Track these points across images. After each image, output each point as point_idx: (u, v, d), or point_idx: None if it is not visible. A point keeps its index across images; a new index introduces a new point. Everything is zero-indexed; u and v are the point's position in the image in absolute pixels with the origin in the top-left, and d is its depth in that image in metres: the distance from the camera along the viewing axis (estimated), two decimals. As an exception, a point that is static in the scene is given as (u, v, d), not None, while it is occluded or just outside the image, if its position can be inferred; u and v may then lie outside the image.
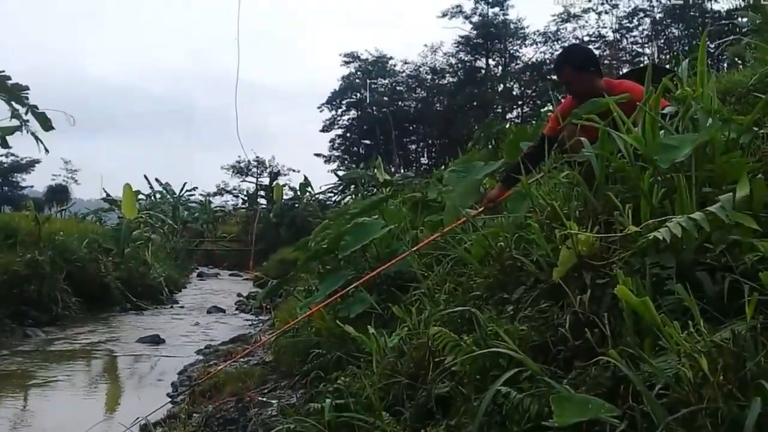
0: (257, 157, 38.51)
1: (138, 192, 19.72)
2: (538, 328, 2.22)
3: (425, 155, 43.59)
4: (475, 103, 37.18)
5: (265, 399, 4.90)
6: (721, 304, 1.68)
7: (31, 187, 40.26)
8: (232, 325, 11.72)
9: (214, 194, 38.36)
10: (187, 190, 32.76)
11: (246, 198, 36.19)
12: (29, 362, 8.41)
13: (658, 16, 32.40)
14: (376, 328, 3.41)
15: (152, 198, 30.73)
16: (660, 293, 1.80)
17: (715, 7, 29.24)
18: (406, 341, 3.14)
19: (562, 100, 4.57)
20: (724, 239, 1.74)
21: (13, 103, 8.63)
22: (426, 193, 5.70)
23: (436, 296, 3.27)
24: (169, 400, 6.30)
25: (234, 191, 38.99)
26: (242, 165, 38.76)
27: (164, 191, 31.59)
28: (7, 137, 9.33)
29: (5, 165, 39.33)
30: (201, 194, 34.97)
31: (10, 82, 8.49)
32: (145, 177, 31.38)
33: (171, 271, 18.42)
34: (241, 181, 39.12)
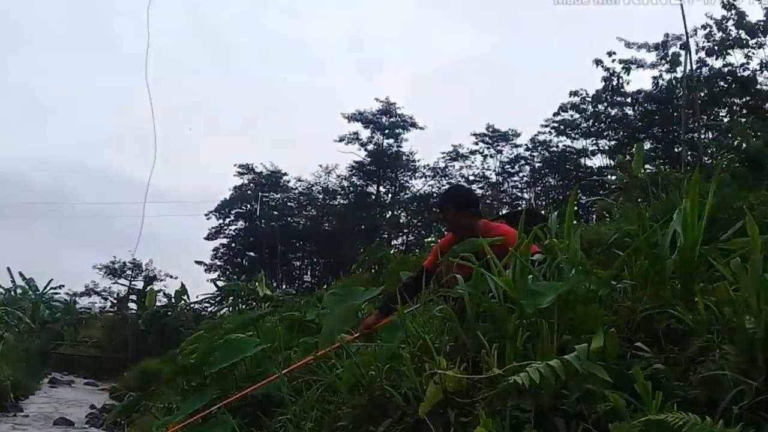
0: (134, 259, 36.93)
1: (-4, 285, 18.22)
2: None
3: (309, 273, 43.44)
4: (363, 227, 37.91)
5: None
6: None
7: None
8: (80, 441, 10.71)
9: (82, 294, 35.97)
10: (52, 288, 30.60)
11: (115, 301, 34.20)
12: None
13: (537, 165, 35.06)
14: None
15: (12, 293, 28.48)
16: (519, 436, 1.84)
17: (588, 162, 32.13)
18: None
19: (446, 233, 4.76)
20: (580, 388, 1.81)
21: None
22: (304, 313, 5.63)
23: (302, 424, 3.15)
24: None
25: (103, 293, 36.86)
26: (116, 266, 36.96)
27: (27, 287, 29.41)
28: None
29: None
30: (67, 293, 32.75)
31: None
32: (8, 270, 29.22)
33: (20, 375, 16.79)
34: (113, 283, 37.15)
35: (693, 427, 1.38)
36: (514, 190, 36.82)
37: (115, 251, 37.40)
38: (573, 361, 1.70)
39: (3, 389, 14.25)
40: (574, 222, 2.59)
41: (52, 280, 30.55)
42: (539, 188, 35.08)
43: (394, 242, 36.93)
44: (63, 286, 31.72)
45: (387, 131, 39.56)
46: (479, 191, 33.99)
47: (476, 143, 37.14)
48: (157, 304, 27.46)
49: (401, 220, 40.00)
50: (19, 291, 29.05)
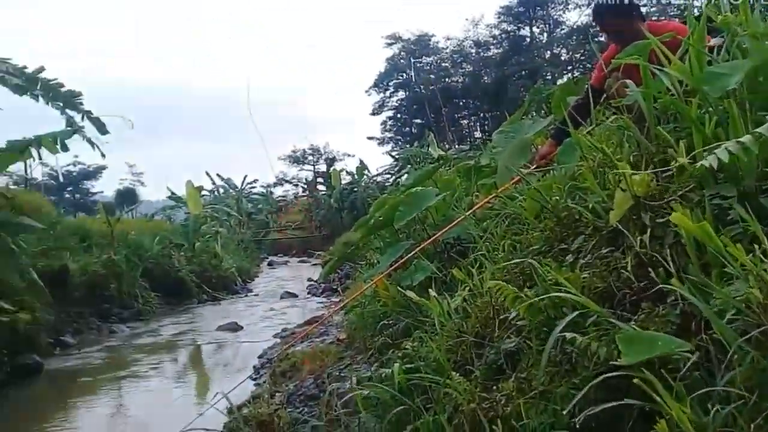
0: (311, 145, 38.94)
1: (201, 188, 20.19)
2: (599, 274, 2.19)
3: (478, 129, 43.15)
4: (523, 72, 36.54)
5: (342, 374, 5.01)
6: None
7: (101, 192, 42.04)
8: (305, 308, 12.01)
9: (275, 185, 39.06)
10: (248, 183, 33.44)
11: (305, 186, 36.71)
12: (118, 356, 8.84)
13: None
14: (439, 293, 3.42)
15: (215, 193, 31.50)
16: (722, 224, 1.76)
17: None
18: (469, 302, 3.15)
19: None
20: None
21: (67, 110, 8.75)
22: (478, 160, 5.66)
23: (495, 255, 3.26)
24: (252, 381, 6.52)
25: (293, 180, 39.61)
26: (298, 154, 39.30)
27: (226, 186, 32.32)
28: (73, 146, 9.59)
29: (74, 173, 41.02)
30: (262, 186, 35.68)
31: (63, 89, 8.60)
32: (207, 173, 32.22)
33: (242, 262, 18.94)
34: (299, 170, 39.72)
35: None
36: (678, 1, 33.16)
37: (292, 141, 39.75)
38: (765, 132, 1.55)
39: (230, 275, 16.21)
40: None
41: (246, 176, 33.35)
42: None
43: (559, 81, 35.29)
44: (257, 180, 34.57)
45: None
46: (643, 9, 30.96)
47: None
48: (343, 182, 29.00)
49: (563, 58, 37.93)
50: (221, 190, 32.04)
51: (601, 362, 1.80)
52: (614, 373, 1.58)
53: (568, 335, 1.90)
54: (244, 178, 33.10)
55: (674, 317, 1.73)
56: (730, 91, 1.92)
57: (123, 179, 40.77)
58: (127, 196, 37.07)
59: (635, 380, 1.33)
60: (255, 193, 34.17)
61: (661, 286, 1.70)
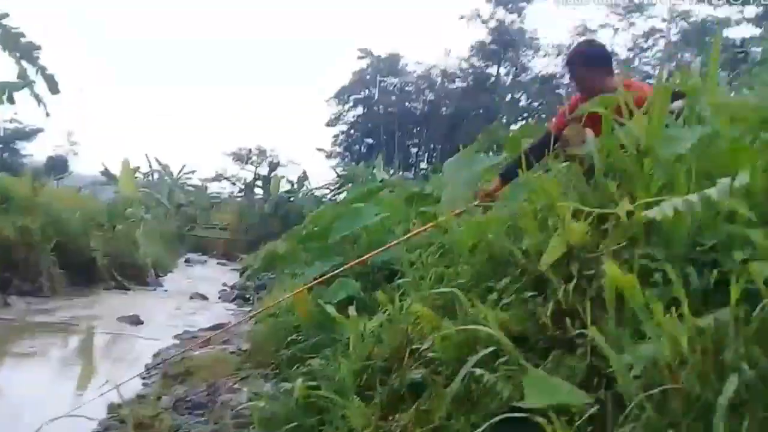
0: (258, 146, 38.22)
1: (137, 168, 19.56)
2: (518, 316, 2.15)
3: (425, 160, 43.50)
4: (480, 111, 37.20)
5: (236, 386, 4.82)
6: (706, 299, 1.61)
7: (32, 155, 39.98)
8: (213, 313, 11.54)
9: (212, 179, 38.00)
10: (185, 173, 32.54)
11: (243, 187, 35.91)
12: (6, 332, 8.31)
13: (674, 38, 32.44)
14: (359, 315, 3.32)
15: (150, 177, 30.56)
16: (647, 284, 1.74)
17: (731, 35, 29.26)
18: (385, 327, 3.06)
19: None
20: (717, 233, 1.67)
21: (23, 62, 8.39)
22: (422, 188, 5.63)
23: (422, 284, 3.18)
24: (141, 380, 6.22)
25: (232, 178, 38.68)
26: (243, 153, 38.47)
27: (162, 171, 31.37)
28: (17, 103, 9.11)
29: (8, 131, 38.99)
30: (199, 179, 34.74)
31: (24, 39, 8.25)
32: (146, 156, 31.27)
33: (160, 254, 18.23)
34: (241, 169, 38.81)
35: None
36: (645, 67, 34.48)
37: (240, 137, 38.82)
38: (712, 195, 1.52)
39: (145, 266, 15.56)
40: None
41: (185, 165, 32.43)
42: (673, 65, 32.65)
43: (512, 127, 36.07)
44: (195, 171, 33.63)
45: (510, 5, 37.84)
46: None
47: (607, 15, 34.80)
48: (282, 190, 28.62)
49: (521, 104, 38.82)
50: (155, 176, 31.06)
51: (503, 402, 1.77)
52: (515, 414, 1.58)
53: (477, 371, 1.86)
54: (182, 167, 32.22)
55: (580, 370, 1.73)
56: (681, 156, 1.91)
57: (59, 146, 39.09)
58: (58, 164, 35.53)
59: (538, 419, 1.30)
60: (190, 185, 33.25)
61: (578, 332, 1.67)
